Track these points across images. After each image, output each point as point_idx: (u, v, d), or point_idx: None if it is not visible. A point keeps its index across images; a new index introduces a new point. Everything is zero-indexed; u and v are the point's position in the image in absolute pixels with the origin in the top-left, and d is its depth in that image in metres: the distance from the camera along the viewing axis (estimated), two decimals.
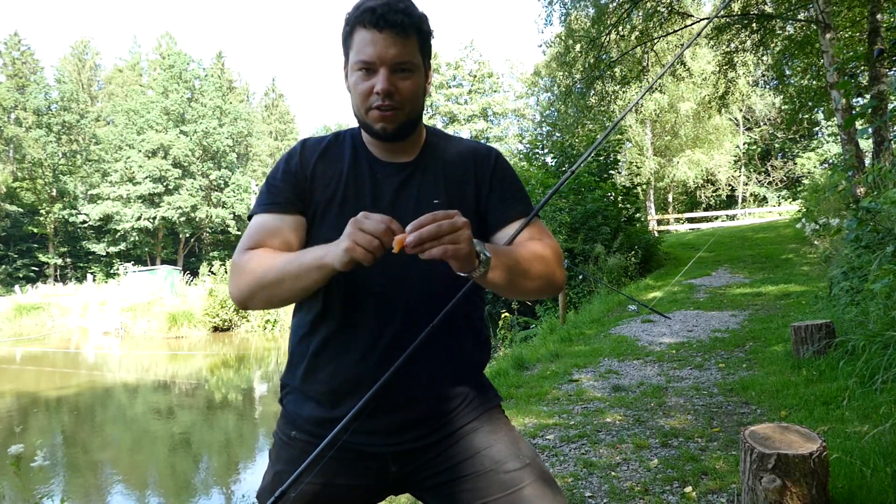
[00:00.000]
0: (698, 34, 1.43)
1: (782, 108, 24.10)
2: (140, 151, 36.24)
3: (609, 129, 1.15)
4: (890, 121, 8.90)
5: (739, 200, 31.27)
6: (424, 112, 1.22)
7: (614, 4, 13.85)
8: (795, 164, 30.23)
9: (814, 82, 14.54)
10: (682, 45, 18.10)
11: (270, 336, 17.48)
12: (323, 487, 1.12)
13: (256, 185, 38.41)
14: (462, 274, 0.95)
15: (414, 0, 1.11)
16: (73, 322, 20.03)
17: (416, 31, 1.07)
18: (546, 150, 15.17)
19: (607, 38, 13.98)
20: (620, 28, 13.88)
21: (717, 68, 14.99)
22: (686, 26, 13.98)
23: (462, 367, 1.18)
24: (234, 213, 38.93)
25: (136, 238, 36.94)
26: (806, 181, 24.95)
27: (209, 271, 20.69)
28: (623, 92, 15.66)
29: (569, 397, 4.37)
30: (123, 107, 37.91)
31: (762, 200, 31.19)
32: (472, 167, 1.19)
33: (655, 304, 8.13)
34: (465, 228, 0.88)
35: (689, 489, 2.66)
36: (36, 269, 36.73)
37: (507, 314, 9.27)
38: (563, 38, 16.13)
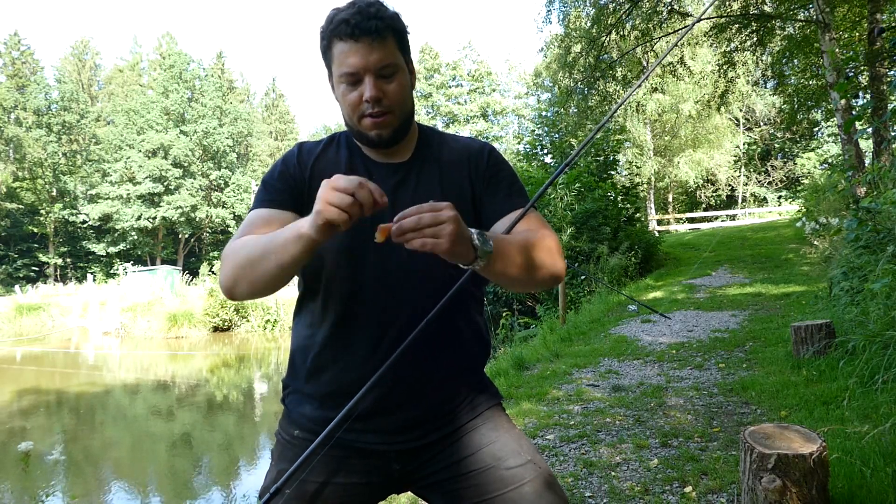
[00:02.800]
0: (689, 28, 1.44)
1: (782, 108, 24.11)
2: (140, 151, 36.27)
3: (605, 119, 1.16)
4: (889, 121, 8.91)
5: (739, 200, 31.27)
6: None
7: (614, 4, 13.86)
8: (795, 164, 30.23)
9: (813, 82, 14.55)
10: (681, 44, 18.11)
11: (270, 336, 17.48)
12: (325, 486, 1.12)
13: (256, 184, 38.34)
14: (462, 266, 0.94)
15: (390, 0, 1.11)
16: (73, 322, 20.03)
17: (391, 32, 1.07)
18: (545, 151, 15.18)
19: (607, 38, 13.99)
20: (620, 28, 13.89)
21: (717, 67, 15.00)
22: (686, 26, 13.99)
23: (463, 366, 1.19)
24: (234, 213, 38.94)
25: (136, 238, 36.97)
26: (806, 181, 24.95)
27: (209, 271, 20.71)
28: (624, 92, 15.68)
29: (569, 397, 4.37)
30: (123, 107, 37.94)
31: (762, 200, 31.19)
32: (467, 164, 1.19)
33: (657, 304, 8.13)
34: (450, 223, 0.85)
35: (689, 489, 2.66)
36: (36, 269, 36.75)
37: (507, 314, 9.27)
38: (563, 38, 16.15)
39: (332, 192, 0.86)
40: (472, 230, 0.91)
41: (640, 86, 1.28)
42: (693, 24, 1.39)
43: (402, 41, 1.11)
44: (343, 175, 0.88)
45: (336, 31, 1.06)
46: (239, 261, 1.01)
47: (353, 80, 1.07)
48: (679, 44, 18.42)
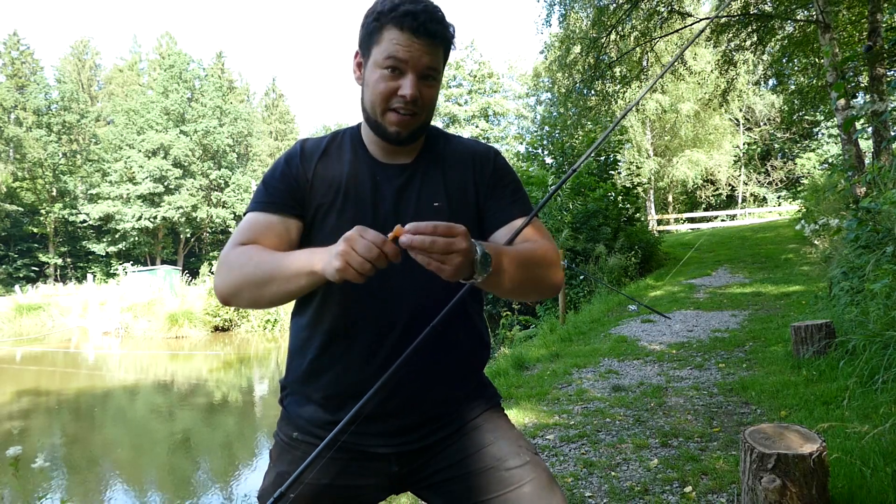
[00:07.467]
0: (697, 34, 1.43)
1: (782, 108, 24.10)
2: (140, 151, 36.25)
3: (609, 129, 1.15)
4: (889, 120, 8.90)
5: (739, 200, 31.27)
6: None
7: (614, 6, 13.85)
8: (795, 164, 30.23)
9: (813, 81, 14.54)
10: (682, 44, 18.10)
11: (270, 336, 17.46)
12: (325, 488, 1.12)
13: (256, 184, 38.37)
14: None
15: None
16: (73, 322, 20.01)
17: (444, 42, 1.09)
18: (546, 152, 15.18)
19: (607, 39, 13.98)
20: (620, 28, 13.88)
21: (717, 67, 14.99)
22: (686, 26, 13.98)
23: (463, 367, 1.18)
24: (234, 212, 38.95)
25: (136, 238, 36.95)
26: (806, 181, 24.96)
27: (209, 271, 20.69)
28: (623, 92, 15.66)
29: (569, 397, 4.37)
30: (123, 107, 37.92)
31: (762, 200, 31.19)
32: (472, 168, 1.19)
33: (656, 304, 8.13)
34: (459, 255, 0.86)
35: (689, 489, 2.66)
36: (36, 269, 36.72)
37: (507, 314, 9.27)
38: (563, 40, 16.13)
39: (353, 255, 0.87)
40: (476, 248, 0.90)
41: (646, 93, 1.27)
42: (701, 31, 1.39)
43: (448, 53, 1.12)
44: (366, 232, 0.88)
45: (399, 20, 1.04)
46: (243, 277, 1.02)
47: (395, 71, 1.06)
48: (679, 45, 18.42)
